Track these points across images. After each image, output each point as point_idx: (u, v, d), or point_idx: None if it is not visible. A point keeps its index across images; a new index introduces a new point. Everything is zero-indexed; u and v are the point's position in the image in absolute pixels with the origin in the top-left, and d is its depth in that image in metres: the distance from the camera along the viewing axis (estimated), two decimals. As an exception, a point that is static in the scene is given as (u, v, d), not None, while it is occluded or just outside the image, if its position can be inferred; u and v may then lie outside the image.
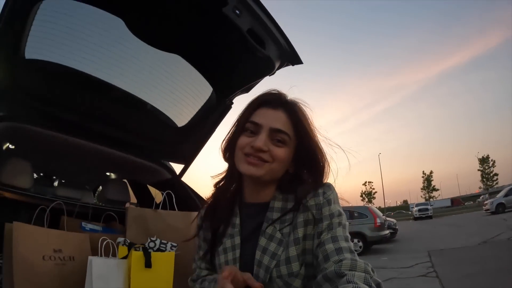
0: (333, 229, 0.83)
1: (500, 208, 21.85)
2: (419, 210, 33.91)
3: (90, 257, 1.32)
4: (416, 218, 33.40)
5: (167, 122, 2.03)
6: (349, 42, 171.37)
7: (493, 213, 21.95)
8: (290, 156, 0.93)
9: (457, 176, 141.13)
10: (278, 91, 0.97)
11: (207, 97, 1.92)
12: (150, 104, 1.94)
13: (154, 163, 2.06)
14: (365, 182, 66.14)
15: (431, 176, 64.71)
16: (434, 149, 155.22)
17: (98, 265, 1.31)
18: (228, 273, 0.78)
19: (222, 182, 1.03)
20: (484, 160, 55.63)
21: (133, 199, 2.65)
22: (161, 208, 1.71)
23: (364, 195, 65.61)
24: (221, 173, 1.04)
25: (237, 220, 0.96)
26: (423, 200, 60.69)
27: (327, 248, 0.79)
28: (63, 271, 1.32)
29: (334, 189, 0.92)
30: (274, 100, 0.95)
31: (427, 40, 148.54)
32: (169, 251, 1.52)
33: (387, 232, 12.35)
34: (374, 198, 66.61)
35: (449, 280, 5.79)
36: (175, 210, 1.76)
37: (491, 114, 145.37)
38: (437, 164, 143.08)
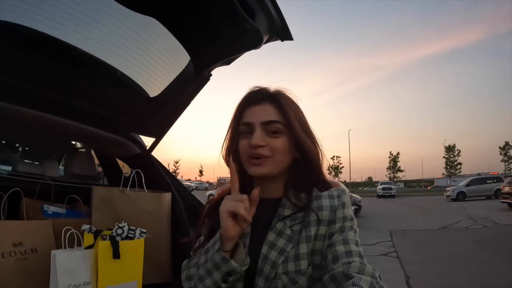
0: (344, 232, 0.84)
1: (460, 196, 23.21)
2: (383, 189, 35.36)
3: (53, 252, 1.19)
4: (379, 196, 34.75)
5: (138, 91, 1.83)
6: (329, 17, 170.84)
7: (453, 199, 23.28)
8: (291, 143, 0.93)
9: (422, 159, 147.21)
10: (259, 87, 0.98)
11: (183, 66, 1.73)
12: (120, 71, 1.73)
13: (122, 137, 1.88)
14: (333, 157, 68.02)
15: (398, 157, 67.28)
16: (403, 131, 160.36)
17: (62, 260, 1.19)
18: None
19: None
20: (450, 149, 58.44)
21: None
22: (129, 188, 1.58)
23: (331, 169, 67.38)
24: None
25: None
26: (387, 179, 63.34)
27: (337, 249, 0.79)
28: (26, 266, 1.20)
29: (348, 194, 0.92)
30: (257, 96, 0.96)
31: (409, 24, 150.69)
32: (138, 238, 1.43)
33: (351, 208, 12.67)
34: (341, 172, 68.94)
35: (408, 262, 6.02)
36: (144, 190, 1.63)
37: (462, 105, 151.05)
38: (404, 146, 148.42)
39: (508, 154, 56.78)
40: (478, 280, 4.81)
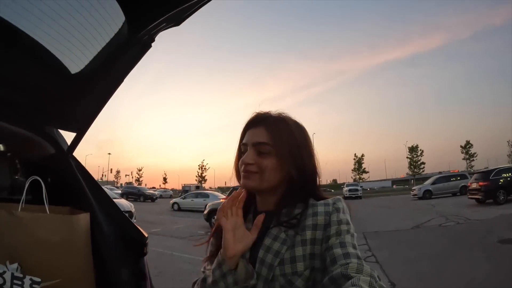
0: (341, 235, 0.85)
1: (427, 195, 23.90)
2: (349, 190, 35.72)
3: None
4: (346, 197, 34.69)
5: (54, 65, 1.31)
6: (294, 22, 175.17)
7: (420, 198, 23.98)
8: (280, 164, 0.97)
9: (385, 161, 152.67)
10: (257, 112, 1.04)
11: (116, 29, 1.21)
12: (29, 36, 1.21)
13: (28, 130, 1.32)
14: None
15: (362, 159, 69.11)
16: (366, 133, 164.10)
17: None
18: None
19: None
20: (413, 149, 60.95)
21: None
22: (21, 207, 1.05)
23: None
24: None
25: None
26: (352, 181, 64.84)
27: (335, 252, 0.80)
28: None
29: (343, 201, 0.96)
30: (254, 120, 1.03)
31: (371, 31, 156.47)
32: None
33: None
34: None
35: (390, 266, 5.75)
36: (46, 210, 1.09)
37: (422, 108, 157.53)
38: (367, 147, 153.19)
39: (470, 152, 59.64)
40: (467, 280, 4.59)
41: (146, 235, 1.48)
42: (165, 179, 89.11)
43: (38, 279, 0.92)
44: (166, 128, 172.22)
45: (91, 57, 1.31)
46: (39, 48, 1.26)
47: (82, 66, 1.34)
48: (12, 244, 1.02)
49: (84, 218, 1.17)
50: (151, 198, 34.36)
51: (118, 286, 1.26)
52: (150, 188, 56.51)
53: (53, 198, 1.24)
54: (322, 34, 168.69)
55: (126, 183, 78.58)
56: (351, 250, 0.81)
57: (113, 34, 1.25)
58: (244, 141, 1.02)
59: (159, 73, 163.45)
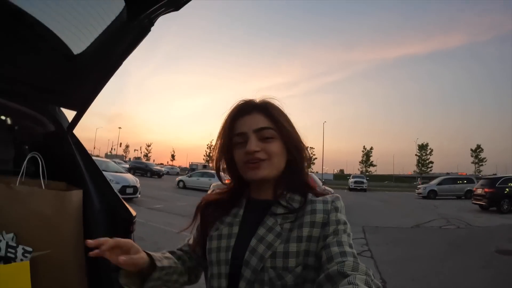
0: (338, 235, 0.86)
1: (431, 194, 23.92)
2: (355, 182, 35.68)
3: None
4: (351, 189, 35.04)
5: (57, 46, 1.35)
6: (310, 10, 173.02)
7: (424, 197, 24.00)
8: (284, 146, 0.98)
9: (393, 156, 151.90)
10: (245, 100, 1.02)
11: (116, 13, 1.23)
12: (31, 15, 1.24)
13: (32, 109, 1.36)
14: (307, 147, 68.66)
15: (371, 152, 68.72)
16: (377, 126, 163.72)
17: None
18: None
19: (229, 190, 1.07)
20: (423, 147, 60.22)
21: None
22: (19, 181, 1.10)
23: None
24: (227, 186, 1.08)
25: (241, 212, 1.00)
26: (359, 172, 64.87)
27: (332, 250, 0.81)
28: None
29: (341, 200, 0.96)
30: (245, 108, 1.00)
31: (390, 24, 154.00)
32: (22, 259, 1.00)
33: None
34: (313, 163, 70.00)
35: (383, 263, 5.79)
36: (41, 185, 1.15)
37: (435, 106, 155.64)
38: (376, 141, 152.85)
39: (479, 156, 58.95)
40: (459, 287, 4.59)
41: (134, 214, 1.54)
42: (173, 156, 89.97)
43: (30, 249, 1.00)
44: (178, 106, 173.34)
45: (92, 39, 1.33)
46: (43, 30, 1.29)
47: (84, 47, 1.36)
48: (9, 215, 1.09)
49: (76, 195, 1.23)
50: (157, 174, 34.63)
51: (105, 261, 1.31)
52: (158, 164, 57.10)
53: (51, 173, 1.30)
54: (339, 21, 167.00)
55: (135, 157, 79.48)
56: (347, 249, 0.82)
57: (114, 18, 1.27)
58: (240, 130, 0.97)
59: (172, 52, 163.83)
